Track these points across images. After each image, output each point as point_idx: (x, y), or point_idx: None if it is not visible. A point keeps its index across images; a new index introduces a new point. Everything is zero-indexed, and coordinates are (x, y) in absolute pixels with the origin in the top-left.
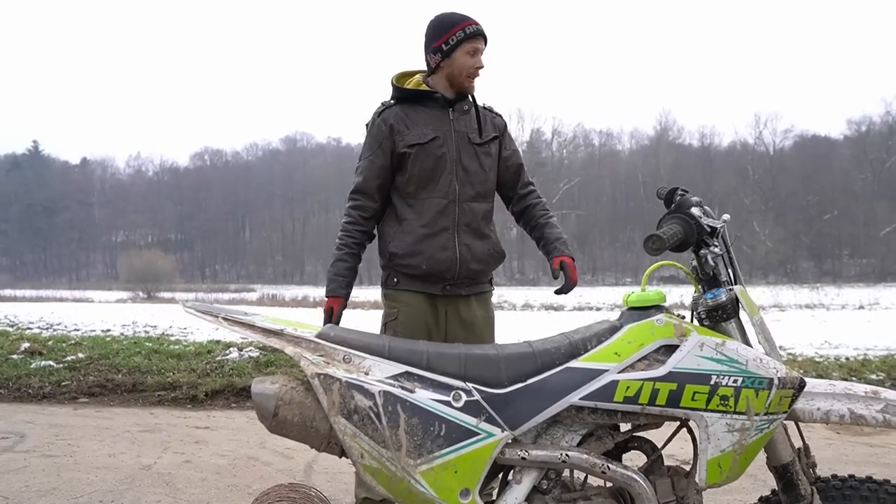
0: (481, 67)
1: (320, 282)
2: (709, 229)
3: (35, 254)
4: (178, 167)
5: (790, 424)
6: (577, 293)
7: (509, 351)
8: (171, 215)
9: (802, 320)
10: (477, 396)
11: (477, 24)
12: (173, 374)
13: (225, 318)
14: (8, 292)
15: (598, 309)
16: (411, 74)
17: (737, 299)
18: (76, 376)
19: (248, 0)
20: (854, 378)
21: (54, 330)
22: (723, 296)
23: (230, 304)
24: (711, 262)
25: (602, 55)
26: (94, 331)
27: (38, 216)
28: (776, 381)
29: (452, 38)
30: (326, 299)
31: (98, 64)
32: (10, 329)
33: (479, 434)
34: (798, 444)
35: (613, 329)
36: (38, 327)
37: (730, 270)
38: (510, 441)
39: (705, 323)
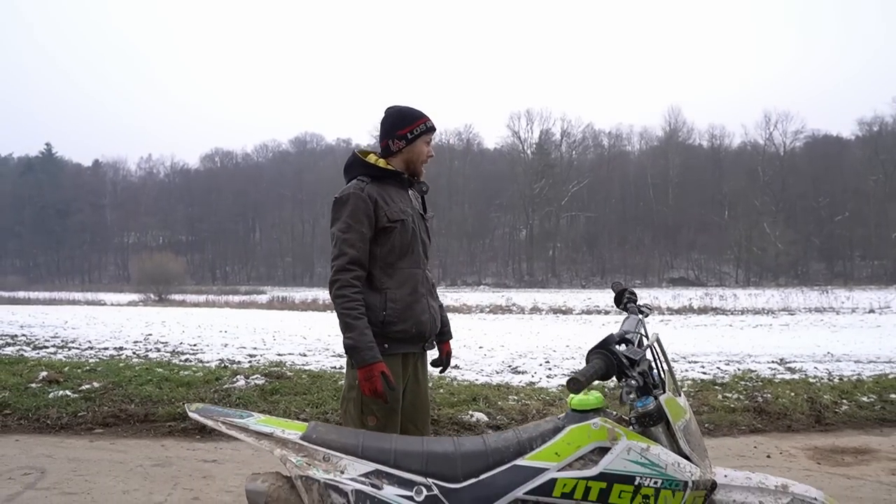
0: (432, 157)
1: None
2: (627, 362)
3: (48, 255)
4: (189, 169)
5: None
6: (586, 296)
7: (465, 448)
8: (181, 217)
9: (811, 326)
10: (436, 491)
11: (431, 120)
12: (183, 403)
13: (223, 422)
14: (22, 294)
15: (606, 312)
16: (367, 153)
17: (662, 407)
18: (91, 406)
19: (259, 3)
20: (845, 400)
21: (69, 349)
22: (650, 404)
23: (240, 309)
24: (625, 398)
25: (611, 55)
26: (108, 349)
27: (50, 218)
28: (690, 484)
29: (417, 129)
30: (365, 368)
31: (110, 67)
32: (28, 349)
33: None
34: None
35: (556, 429)
36: (54, 346)
37: (664, 376)
38: None
39: (636, 427)
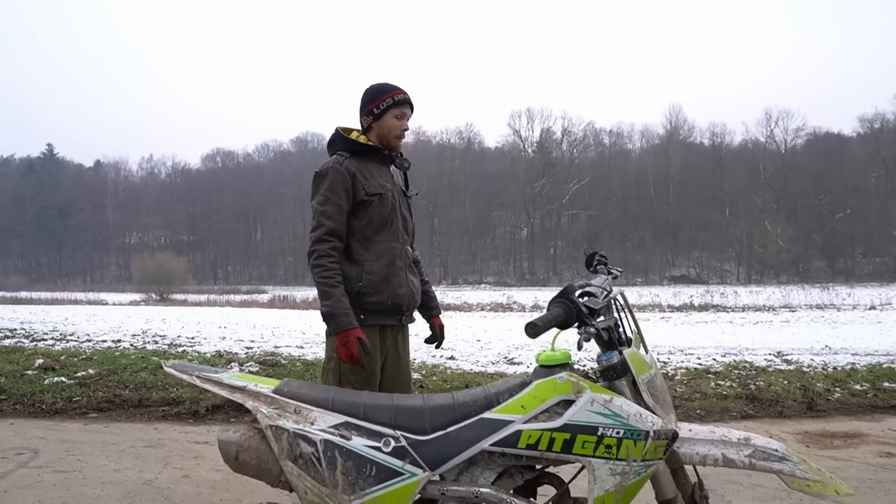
0: (406, 130)
1: None
2: (587, 311)
3: (50, 256)
4: (190, 169)
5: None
6: None
7: (434, 403)
8: (183, 217)
9: (811, 322)
10: (403, 442)
11: (404, 93)
12: (176, 389)
13: (198, 377)
14: (24, 294)
15: None
16: (349, 131)
17: (626, 361)
18: (86, 392)
19: (259, 3)
20: (838, 388)
21: (67, 341)
22: (614, 358)
23: (242, 308)
24: (583, 343)
25: (612, 54)
26: (105, 342)
27: (52, 218)
28: (652, 434)
29: (383, 104)
30: (341, 334)
31: (111, 67)
32: (26, 341)
33: (403, 474)
34: (694, 479)
35: (523, 384)
36: (53, 339)
37: (630, 331)
38: (433, 479)
39: (600, 381)
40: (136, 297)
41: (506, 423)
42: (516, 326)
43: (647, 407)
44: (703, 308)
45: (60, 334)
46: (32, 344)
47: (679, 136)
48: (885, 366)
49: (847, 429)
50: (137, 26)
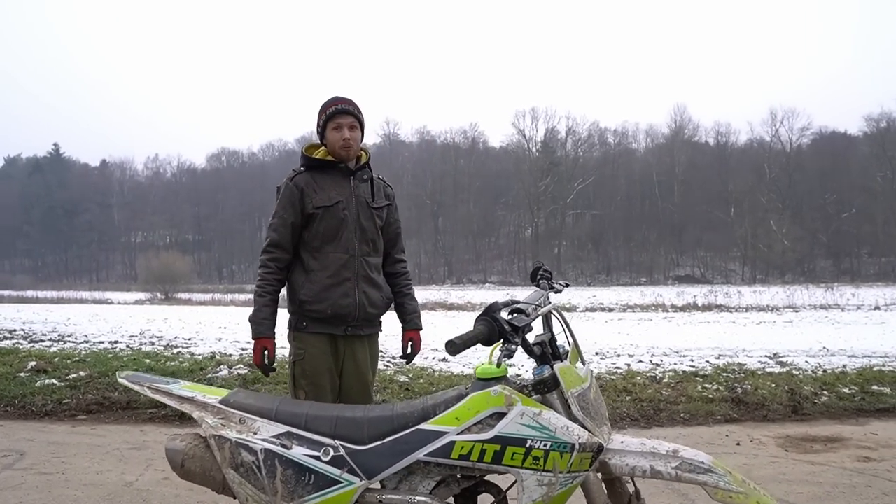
0: (346, 138)
1: None
2: (510, 328)
3: (56, 255)
4: (196, 168)
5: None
6: (591, 294)
7: (373, 414)
8: (188, 216)
9: (815, 323)
10: (342, 452)
11: (340, 104)
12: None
13: (149, 388)
14: (30, 293)
15: (611, 310)
16: (318, 146)
17: (556, 375)
18: (76, 394)
19: (262, 3)
20: (826, 391)
21: (65, 342)
22: (545, 372)
23: (246, 307)
24: (501, 361)
25: (617, 53)
26: (103, 343)
27: (59, 218)
28: (577, 446)
29: (321, 120)
30: (254, 341)
31: (116, 67)
32: (24, 342)
33: (341, 482)
34: (632, 489)
35: (460, 396)
36: (51, 339)
37: (566, 345)
38: (371, 488)
39: (532, 394)
40: (142, 296)
41: (440, 434)
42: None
43: (576, 420)
44: (707, 308)
45: (59, 335)
46: (30, 345)
47: (684, 136)
48: (875, 368)
49: (829, 433)
50: (143, 26)
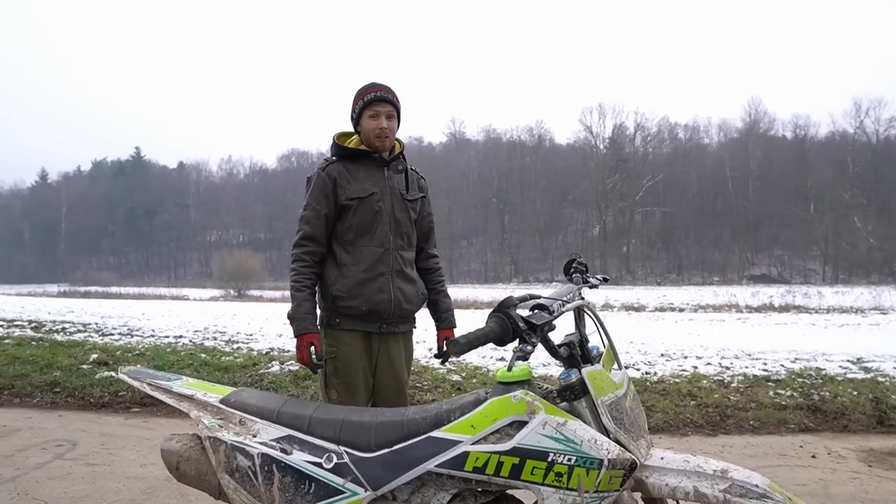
0: (384, 128)
1: None
2: (526, 326)
3: (138, 253)
4: (267, 169)
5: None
6: (661, 293)
7: (382, 418)
8: (259, 216)
9: None
10: (346, 459)
11: (379, 90)
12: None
13: (149, 384)
14: (114, 289)
15: (681, 310)
16: (350, 135)
17: (584, 380)
18: (131, 387)
19: (329, 4)
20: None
21: (132, 336)
22: (572, 377)
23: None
24: (513, 363)
25: (687, 45)
26: (168, 337)
27: (140, 218)
28: (606, 462)
29: (357, 107)
30: (297, 338)
31: (193, 73)
32: (95, 335)
33: (344, 493)
34: None
35: (477, 402)
36: (119, 333)
37: (600, 347)
38: (378, 499)
39: (557, 401)
40: (216, 293)
41: (453, 443)
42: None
43: (606, 432)
44: (784, 309)
45: (128, 329)
46: (100, 338)
47: (759, 130)
48: None
49: None
50: (217, 34)
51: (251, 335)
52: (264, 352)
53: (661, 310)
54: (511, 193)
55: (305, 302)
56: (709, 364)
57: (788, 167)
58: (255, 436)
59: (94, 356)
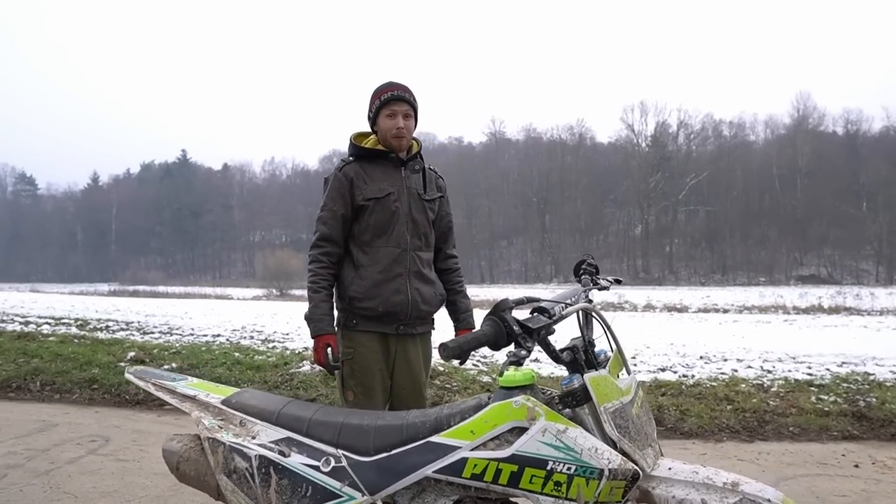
0: (401, 127)
1: None
2: (520, 330)
3: (184, 253)
4: (309, 170)
5: None
6: (705, 294)
7: (382, 422)
8: (301, 216)
9: None
10: (344, 463)
11: (395, 90)
12: (248, 385)
13: (154, 384)
14: (161, 289)
15: (726, 311)
16: (368, 135)
17: (586, 386)
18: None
19: (372, 7)
20: None
21: (171, 334)
22: (575, 383)
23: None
24: (505, 369)
25: (731, 40)
26: (206, 336)
27: (186, 219)
28: (607, 473)
29: (373, 106)
30: (314, 340)
31: (237, 77)
32: (136, 333)
33: (341, 497)
34: None
35: (479, 406)
36: (160, 332)
37: (609, 351)
38: None
39: (560, 407)
40: (259, 292)
41: (452, 448)
42: (623, 327)
43: (609, 440)
44: (834, 311)
45: (169, 328)
46: (140, 337)
47: (808, 125)
48: None
49: None
50: (259, 39)
51: (287, 334)
52: (297, 351)
53: (705, 311)
54: (552, 193)
55: (322, 303)
56: (749, 367)
57: (839, 164)
58: (254, 437)
59: (132, 354)
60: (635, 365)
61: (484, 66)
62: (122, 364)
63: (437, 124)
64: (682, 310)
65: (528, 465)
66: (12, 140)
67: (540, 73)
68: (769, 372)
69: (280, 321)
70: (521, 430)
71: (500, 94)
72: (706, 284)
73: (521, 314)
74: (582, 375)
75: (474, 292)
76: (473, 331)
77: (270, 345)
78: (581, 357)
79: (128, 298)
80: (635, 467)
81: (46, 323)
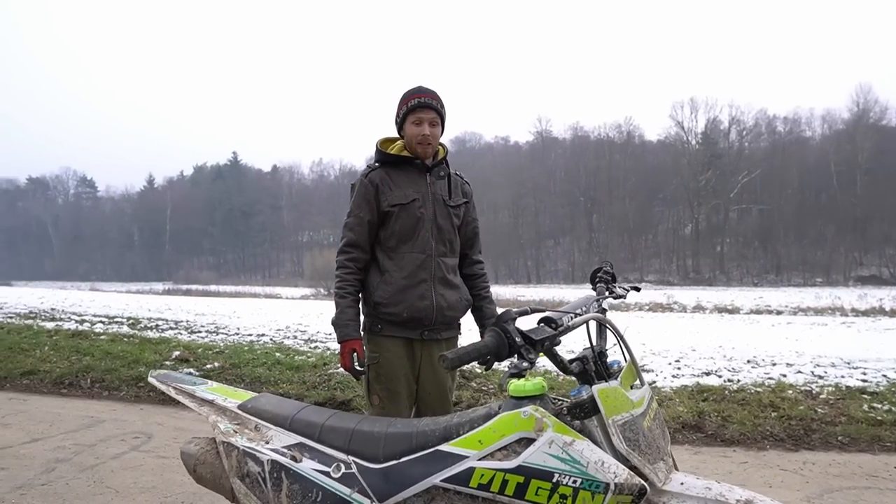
0: (425, 135)
1: (489, 280)
2: (522, 341)
3: (235, 253)
4: (356, 170)
5: None
6: (757, 295)
7: (393, 429)
8: None
9: None
10: (354, 469)
11: (423, 96)
12: (287, 385)
13: (174, 388)
14: (213, 287)
15: (779, 312)
16: (394, 140)
17: (595, 397)
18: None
19: (416, 12)
20: None
21: (217, 334)
22: (583, 394)
23: None
24: (505, 382)
25: (786, 34)
26: (251, 335)
27: (236, 219)
28: (612, 487)
29: (400, 112)
30: (340, 345)
31: (286, 81)
32: (185, 332)
33: (350, 503)
34: None
35: (488, 415)
36: (207, 331)
37: (621, 359)
38: None
39: (568, 418)
40: (307, 291)
41: (460, 457)
42: (672, 328)
43: (618, 454)
44: None
45: (215, 327)
46: (188, 335)
47: (868, 120)
48: None
49: None
50: (306, 44)
51: (330, 334)
52: (338, 352)
53: (757, 312)
54: (599, 192)
55: (348, 309)
56: (799, 372)
57: None
58: (267, 442)
59: (177, 353)
60: (679, 369)
61: (530, 66)
62: (168, 363)
63: (483, 124)
64: (734, 311)
65: (534, 477)
66: (75, 145)
67: (587, 71)
68: (820, 377)
69: (325, 321)
70: (528, 441)
71: (546, 93)
72: (759, 285)
73: (531, 321)
74: (591, 386)
75: (520, 292)
76: (475, 341)
77: (313, 345)
78: (591, 368)
79: (180, 297)
80: (642, 482)
81: (100, 321)
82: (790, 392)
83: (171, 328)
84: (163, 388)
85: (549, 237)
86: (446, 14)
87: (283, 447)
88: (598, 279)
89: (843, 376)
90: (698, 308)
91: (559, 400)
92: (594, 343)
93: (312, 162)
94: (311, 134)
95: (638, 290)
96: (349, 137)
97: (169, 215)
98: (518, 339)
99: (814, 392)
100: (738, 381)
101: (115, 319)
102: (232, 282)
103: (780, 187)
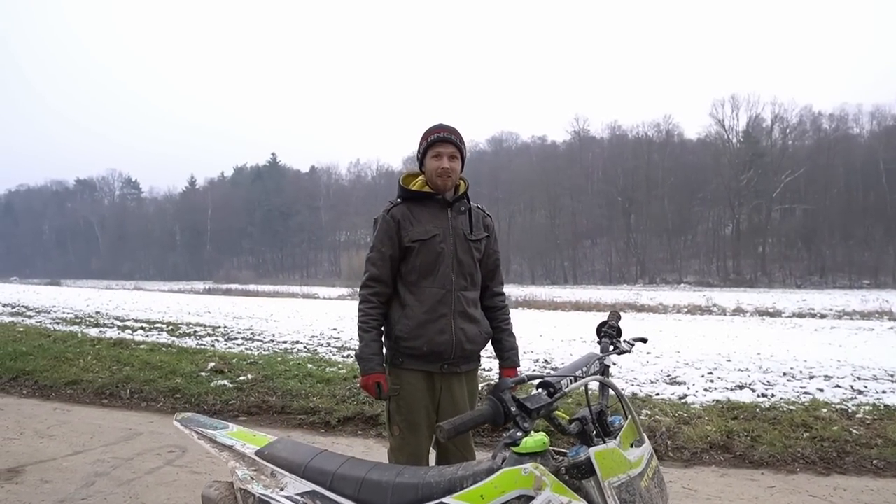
0: (445, 168)
1: (525, 281)
2: (519, 410)
3: (273, 253)
4: (393, 171)
5: None
6: (800, 297)
7: (400, 479)
8: None
9: None
10: None
11: (442, 132)
12: (317, 398)
13: (196, 432)
14: (252, 287)
15: (823, 316)
16: (416, 175)
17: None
18: (241, 396)
19: (453, 11)
20: None
21: (253, 341)
22: (581, 455)
23: None
24: (498, 455)
25: (831, 28)
26: (286, 342)
27: (275, 220)
28: None
29: (421, 147)
30: (362, 377)
31: (323, 83)
32: (222, 339)
33: None
34: None
35: (491, 470)
36: (243, 338)
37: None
38: None
39: (565, 478)
40: (344, 291)
41: None
42: (711, 333)
43: None
44: None
45: (252, 334)
46: (224, 343)
47: None
48: None
49: None
50: (343, 46)
51: None
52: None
53: (800, 315)
54: (637, 192)
55: (373, 343)
56: (837, 387)
57: None
58: (282, 489)
59: (212, 364)
60: (712, 381)
61: (568, 64)
62: (203, 374)
63: (520, 123)
64: (775, 314)
65: None
66: (120, 148)
67: (625, 69)
68: (859, 392)
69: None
70: (528, 499)
71: (583, 92)
72: (802, 287)
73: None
74: (588, 448)
75: (556, 293)
76: (472, 410)
77: (345, 353)
78: (590, 429)
79: (220, 297)
80: None
81: (141, 327)
82: (824, 411)
83: (209, 334)
84: (186, 432)
85: (586, 237)
86: (485, 14)
87: (297, 494)
88: (602, 333)
89: (884, 391)
90: (738, 311)
91: (561, 456)
92: (591, 404)
93: (350, 162)
94: (349, 135)
95: (644, 341)
96: (386, 138)
97: (210, 215)
98: (514, 409)
99: (850, 411)
100: (772, 395)
101: (156, 325)
102: (271, 281)
103: (825, 186)
